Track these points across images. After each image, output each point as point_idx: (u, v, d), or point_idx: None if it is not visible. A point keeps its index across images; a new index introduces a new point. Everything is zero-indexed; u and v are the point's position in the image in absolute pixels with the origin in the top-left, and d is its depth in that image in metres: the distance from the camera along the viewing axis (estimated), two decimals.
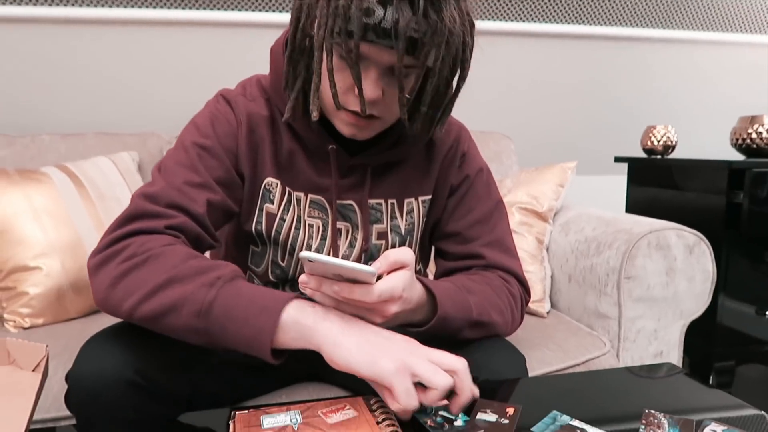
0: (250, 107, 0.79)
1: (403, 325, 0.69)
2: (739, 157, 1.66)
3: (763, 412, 0.63)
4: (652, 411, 0.62)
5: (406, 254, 0.61)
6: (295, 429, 0.55)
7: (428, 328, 0.68)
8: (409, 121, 0.71)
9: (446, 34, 0.62)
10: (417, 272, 0.91)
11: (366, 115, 0.68)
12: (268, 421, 0.57)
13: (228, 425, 0.56)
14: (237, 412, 0.59)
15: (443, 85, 0.67)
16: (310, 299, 0.61)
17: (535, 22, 1.85)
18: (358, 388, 0.76)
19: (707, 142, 2.12)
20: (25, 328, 1.09)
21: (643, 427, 0.59)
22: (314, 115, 0.69)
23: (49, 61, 1.56)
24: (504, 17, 1.84)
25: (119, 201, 1.28)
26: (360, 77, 0.63)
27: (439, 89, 0.67)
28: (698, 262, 1.09)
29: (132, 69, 1.62)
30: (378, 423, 0.56)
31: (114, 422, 0.63)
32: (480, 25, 0.71)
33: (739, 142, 1.60)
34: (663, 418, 0.61)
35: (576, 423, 0.59)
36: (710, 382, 1.43)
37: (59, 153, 1.41)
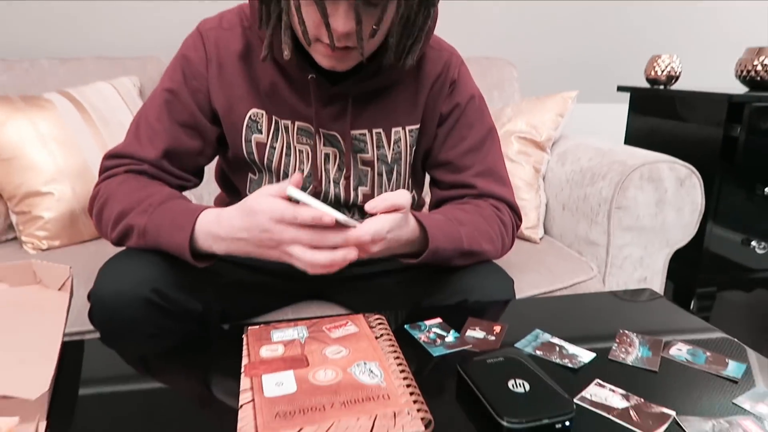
0: (224, 40, 0.79)
1: (396, 256, 0.73)
2: (743, 89, 1.65)
3: (726, 335, 0.69)
4: (626, 331, 0.68)
5: (401, 198, 0.65)
6: (302, 342, 0.61)
7: (420, 260, 0.72)
8: (381, 50, 0.73)
9: None
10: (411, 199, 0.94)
11: (342, 47, 0.67)
12: (278, 335, 0.63)
13: (242, 339, 0.62)
14: (249, 327, 0.65)
15: (413, 14, 0.68)
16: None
17: None
18: (358, 307, 0.83)
19: (712, 72, 2.09)
20: (43, 250, 1.14)
21: (616, 345, 0.65)
22: (286, 54, 0.69)
23: None
24: None
25: (122, 126, 1.30)
26: (326, 12, 0.63)
27: (409, 18, 0.68)
28: (688, 194, 1.13)
29: None
30: (377, 338, 0.61)
31: (135, 336, 0.69)
32: None
33: (744, 73, 1.59)
34: (635, 338, 0.67)
35: (555, 340, 0.65)
36: (691, 306, 1.51)
37: (59, 78, 1.40)
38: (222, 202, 0.98)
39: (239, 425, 0.47)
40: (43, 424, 0.50)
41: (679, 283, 1.58)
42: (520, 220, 0.89)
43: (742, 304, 1.94)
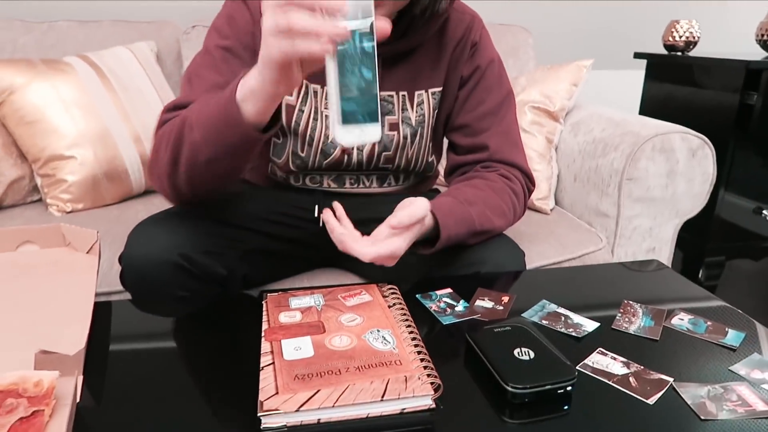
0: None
1: (411, 247, 0.75)
2: (763, 54, 1.62)
3: (727, 304, 0.72)
4: (630, 301, 0.71)
5: (422, 209, 0.69)
6: (319, 309, 0.64)
7: (435, 250, 0.75)
8: (408, 10, 0.75)
9: None
10: (429, 164, 0.96)
11: None
12: (295, 302, 0.66)
13: (261, 305, 0.66)
14: (268, 294, 0.68)
15: None
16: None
17: None
18: (372, 276, 0.86)
19: (733, 37, 2.04)
20: (67, 212, 1.19)
21: (620, 314, 0.68)
22: None
23: None
24: None
25: (141, 91, 1.32)
26: None
27: None
28: (699, 165, 1.14)
29: None
30: (389, 306, 0.65)
31: (164, 298, 0.73)
32: None
33: (765, 37, 1.56)
34: (639, 308, 0.70)
35: (561, 310, 0.68)
36: (699, 275, 1.53)
37: (77, 40, 1.42)
38: None
39: (261, 385, 0.50)
40: (80, 379, 0.54)
41: (689, 251, 1.59)
42: (533, 184, 0.91)
43: (751, 272, 1.96)
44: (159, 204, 1.27)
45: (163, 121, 0.77)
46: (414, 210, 0.68)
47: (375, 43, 0.54)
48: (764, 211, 1.50)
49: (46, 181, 1.19)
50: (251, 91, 0.60)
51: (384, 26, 0.52)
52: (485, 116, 0.88)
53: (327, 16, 0.51)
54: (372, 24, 0.53)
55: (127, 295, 0.78)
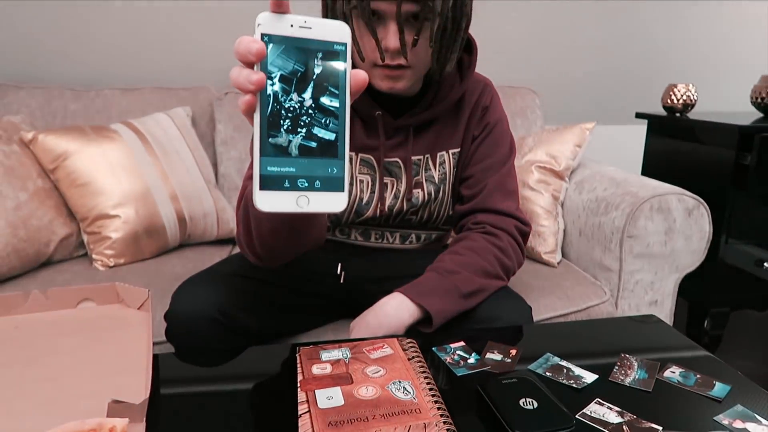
0: None
1: (414, 326, 0.83)
2: (758, 114, 1.72)
3: (711, 354, 0.78)
4: (627, 355, 0.78)
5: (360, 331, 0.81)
6: (347, 362, 0.73)
7: (433, 328, 0.82)
8: (429, 85, 0.86)
9: None
10: (449, 218, 1.03)
11: (396, 66, 0.82)
12: (326, 355, 0.74)
13: (296, 357, 0.74)
14: (301, 347, 0.77)
15: (450, 27, 0.81)
16: None
17: None
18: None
19: (730, 97, 2.15)
20: (110, 267, 1.29)
21: (617, 367, 0.75)
22: None
23: (107, 19, 1.68)
24: None
25: (178, 153, 1.44)
26: (375, 31, 0.77)
27: (446, 29, 0.81)
28: (696, 223, 1.22)
29: (183, 26, 1.73)
30: (409, 359, 0.73)
31: (205, 351, 0.82)
32: None
33: (758, 100, 1.66)
34: (634, 361, 0.77)
35: (564, 363, 0.76)
36: (705, 325, 1.59)
37: (121, 107, 1.56)
38: None
39: (300, 431, 0.58)
40: (144, 426, 0.62)
41: (694, 303, 1.65)
42: (528, 226, 0.97)
43: (755, 322, 2.00)
44: (193, 257, 1.38)
45: (243, 188, 0.82)
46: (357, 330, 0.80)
47: (347, 99, 0.48)
48: (765, 263, 1.57)
49: (92, 238, 1.30)
50: None
51: (360, 78, 0.49)
52: (488, 169, 0.97)
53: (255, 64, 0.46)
54: (343, 76, 0.47)
55: (167, 347, 0.86)
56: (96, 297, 0.90)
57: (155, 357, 0.78)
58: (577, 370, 0.74)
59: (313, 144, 0.46)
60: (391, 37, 0.79)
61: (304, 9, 0.96)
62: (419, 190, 0.97)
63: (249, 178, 0.83)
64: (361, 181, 0.95)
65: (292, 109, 0.46)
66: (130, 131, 1.39)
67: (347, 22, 0.78)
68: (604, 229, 1.25)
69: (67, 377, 0.70)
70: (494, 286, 0.90)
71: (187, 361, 0.79)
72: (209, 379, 0.74)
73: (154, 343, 1.01)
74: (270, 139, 0.46)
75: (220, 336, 0.83)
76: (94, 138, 1.33)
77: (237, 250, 0.87)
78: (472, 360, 0.75)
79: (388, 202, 0.97)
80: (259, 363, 0.77)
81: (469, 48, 0.95)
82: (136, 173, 1.33)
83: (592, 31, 1.98)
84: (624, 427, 0.62)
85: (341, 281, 1.01)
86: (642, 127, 2.06)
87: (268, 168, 0.46)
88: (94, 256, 1.30)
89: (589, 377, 0.72)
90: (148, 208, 1.32)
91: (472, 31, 0.97)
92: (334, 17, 0.82)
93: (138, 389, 0.66)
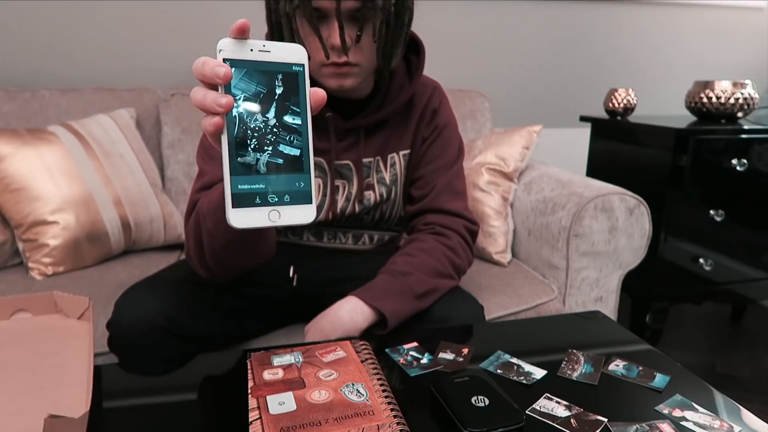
0: None
1: (370, 329, 0.84)
2: (693, 118, 1.81)
3: (652, 347, 0.82)
4: (574, 350, 0.80)
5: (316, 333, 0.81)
6: (299, 366, 0.71)
7: (388, 330, 0.83)
8: (380, 87, 0.87)
9: None
10: (400, 219, 1.04)
11: (342, 63, 0.82)
12: (277, 360, 0.73)
13: (246, 363, 0.73)
14: (252, 353, 0.75)
15: (393, 21, 0.82)
16: None
17: None
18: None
19: (666, 102, 2.26)
20: (48, 276, 1.23)
21: (565, 362, 0.77)
22: None
23: (46, 17, 1.60)
24: None
25: (122, 156, 1.39)
26: (318, 30, 0.78)
27: (389, 24, 0.82)
28: (637, 222, 1.27)
29: (127, 25, 1.67)
30: (362, 361, 0.72)
31: (151, 360, 0.79)
32: None
33: (692, 105, 1.75)
34: (581, 356, 0.79)
35: (514, 360, 0.77)
36: (647, 319, 1.65)
37: (60, 108, 1.49)
38: None
39: None
40: None
41: (636, 298, 1.72)
42: (476, 224, 0.99)
43: (694, 315, 2.10)
44: (138, 264, 1.33)
45: (192, 202, 0.82)
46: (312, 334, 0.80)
47: (308, 116, 0.50)
48: (701, 260, 1.65)
49: (28, 245, 1.23)
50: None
51: (320, 95, 0.52)
52: (437, 170, 0.98)
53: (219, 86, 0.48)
54: (303, 95, 0.50)
55: (110, 357, 0.83)
56: (31, 307, 0.86)
57: (96, 368, 0.75)
58: (527, 367, 0.75)
59: (280, 160, 0.49)
60: (334, 35, 0.79)
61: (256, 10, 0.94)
62: (371, 192, 0.97)
63: (199, 190, 0.82)
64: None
65: (257, 128, 0.48)
66: (69, 133, 1.33)
67: (291, 23, 0.78)
68: (552, 229, 1.29)
69: (2, 393, 0.66)
70: (446, 285, 0.91)
71: (131, 371, 0.77)
72: (155, 389, 0.71)
73: (96, 354, 0.97)
74: (239, 159, 0.48)
75: (167, 344, 0.81)
76: (29, 140, 1.26)
77: (185, 256, 0.86)
78: (425, 360, 0.76)
79: (340, 205, 0.96)
80: (208, 371, 0.75)
81: (417, 50, 0.96)
82: (77, 177, 1.28)
83: (538, 37, 2.04)
84: (572, 420, 0.64)
85: (294, 284, 1.00)
86: (586, 129, 2.13)
87: (239, 186, 0.48)
88: (30, 264, 1.23)
89: (539, 373, 0.74)
90: (89, 213, 1.27)
91: (421, 33, 0.99)
92: (278, 18, 0.81)
93: (78, 403, 0.63)
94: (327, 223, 0.99)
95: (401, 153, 0.98)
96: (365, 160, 0.95)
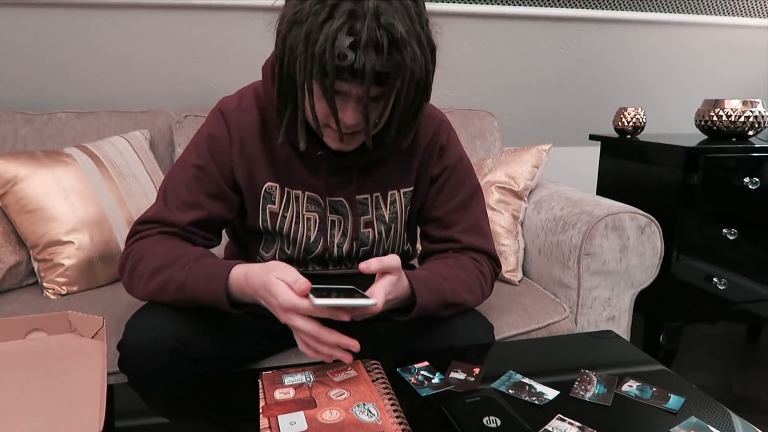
0: (245, 120, 0.91)
1: (388, 313, 0.83)
2: (703, 136, 1.81)
3: (666, 368, 0.81)
4: (586, 370, 0.80)
5: (393, 261, 0.76)
6: (310, 386, 0.72)
7: (410, 317, 0.82)
8: (382, 134, 0.85)
9: (409, 68, 0.72)
10: (405, 252, 1.06)
11: (349, 133, 0.80)
12: (288, 379, 0.73)
13: (258, 382, 0.73)
14: (263, 372, 0.75)
15: (409, 107, 0.78)
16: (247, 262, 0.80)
17: (519, 5, 1.94)
18: (356, 353, 0.93)
19: (675, 120, 2.26)
20: (62, 295, 1.24)
21: (577, 383, 0.77)
22: (301, 145, 0.80)
23: (62, 42, 1.65)
24: (491, 0, 1.93)
25: (136, 178, 1.41)
26: (336, 111, 0.74)
27: (406, 110, 0.78)
28: (648, 241, 1.26)
29: (140, 49, 1.71)
30: (373, 381, 0.72)
31: (160, 380, 0.79)
32: (469, 8, 0.84)
33: (702, 123, 1.75)
34: (594, 376, 0.78)
35: (525, 380, 0.77)
36: (660, 339, 1.63)
37: (76, 131, 1.52)
38: (231, 251, 1.09)
39: None
40: None
41: (650, 318, 1.70)
42: (499, 267, 1.00)
43: (708, 335, 2.07)
44: None
45: (134, 231, 0.89)
46: (383, 258, 0.76)
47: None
48: (714, 279, 1.63)
49: (43, 265, 1.25)
50: (245, 293, 0.77)
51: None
52: (455, 210, 0.97)
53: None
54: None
55: (123, 377, 0.83)
56: (46, 326, 0.87)
57: (110, 388, 0.75)
58: (539, 387, 0.75)
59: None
60: (349, 115, 0.76)
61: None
62: (369, 230, 0.97)
63: (144, 222, 0.89)
64: (308, 219, 0.95)
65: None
66: (84, 155, 1.36)
67: (301, 91, 0.75)
68: (563, 248, 1.28)
69: (15, 412, 0.67)
70: (470, 304, 0.91)
71: (143, 391, 0.77)
72: (167, 409, 0.72)
73: (109, 374, 0.98)
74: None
75: (177, 365, 0.81)
76: (45, 162, 1.29)
77: (119, 269, 0.92)
78: (436, 380, 0.75)
79: (336, 240, 0.96)
80: (220, 391, 0.75)
81: None
82: (91, 198, 1.30)
83: (547, 56, 2.06)
84: None
85: None
86: (595, 148, 2.13)
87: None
88: (45, 284, 1.25)
89: (551, 393, 0.73)
90: (103, 233, 1.29)
91: None
92: (291, 82, 0.77)
93: (91, 422, 0.64)
94: (329, 260, 0.99)
95: (402, 191, 0.96)
96: (359, 197, 0.94)
